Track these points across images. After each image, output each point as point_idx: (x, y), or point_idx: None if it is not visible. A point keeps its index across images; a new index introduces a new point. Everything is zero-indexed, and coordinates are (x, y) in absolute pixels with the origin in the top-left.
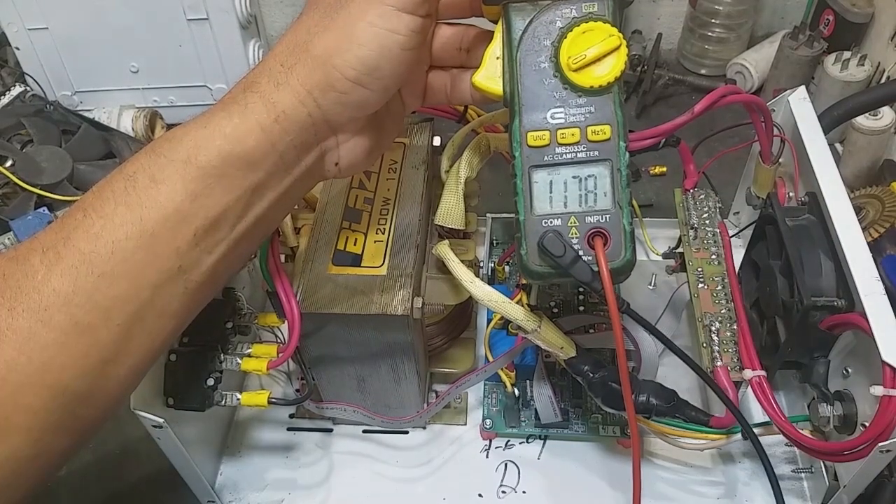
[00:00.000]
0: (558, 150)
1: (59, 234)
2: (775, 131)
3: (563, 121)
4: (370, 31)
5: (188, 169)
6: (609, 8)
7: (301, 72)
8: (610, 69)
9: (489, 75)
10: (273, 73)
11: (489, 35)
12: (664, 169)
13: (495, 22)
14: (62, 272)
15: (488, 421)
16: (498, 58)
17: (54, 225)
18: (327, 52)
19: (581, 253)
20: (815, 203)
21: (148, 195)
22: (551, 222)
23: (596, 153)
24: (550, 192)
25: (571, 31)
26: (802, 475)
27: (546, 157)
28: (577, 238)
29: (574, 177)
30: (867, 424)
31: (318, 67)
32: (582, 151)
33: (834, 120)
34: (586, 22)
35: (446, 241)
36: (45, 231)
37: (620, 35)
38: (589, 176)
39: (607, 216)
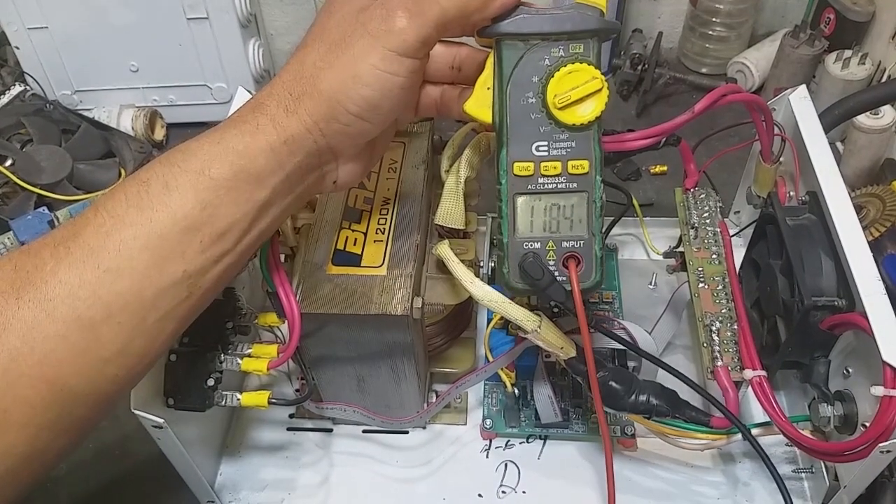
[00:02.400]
0: (541, 180)
1: (71, 231)
2: (776, 130)
3: (546, 154)
4: (373, 73)
5: (201, 179)
6: (594, 50)
7: (308, 104)
8: (592, 110)
9: (479, 104)
10: (282, 99)
11: (479, 54)
12: (665, 168)
13: (487, 47)
14: (70, 265)
15: (488, 421)
16: (488, 88)
17: (67, 223)
18: (333, 89)
19: (556, 273)
20: (815, 202)
21: (160, 199)
22: (531, 245)
23: (575, 185)
24: (532, 217)
25: (558, 70)
26: (803, 475)
27: (529, 186)
28: (553, 260)
29: (554, 204)
30: (867, 425)
31: (325, 102)
32: (562, 182)
33: (835, 119)
34: (573, 63)
35: (446, 241)
36: (59, 228)
37: (602, 78)
38: (567, 204)
39: (581, 242)
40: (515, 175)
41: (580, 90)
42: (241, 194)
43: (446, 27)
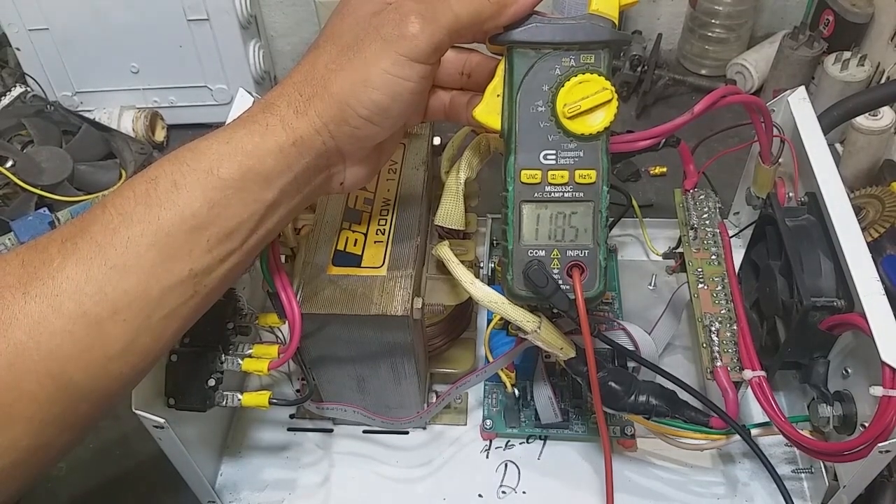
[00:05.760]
0: (548, 188)
1: (78, 227)
2: (775, 131)
3: (554, 162)
4: (384, 78)
5: (210, 179)
6: (604, 61)
7: (318, 105)
8: (601, 120)
9: (489, 111)
10: (292, 100)
11: (490, 61)
12: (664, 169)
13: (498, 55)
14: (77, 261)
15: (488, 421)
16: (498, 95)
17: (75, 220)
18: (343, 92)
19: (560, 282)
20: (814, 203)
21: (168, 198)
22: (536, 252)
23: (581, 194)
24: (537, 225)
25: (569, 80)
26: (802, 475)
27: (536, 194)
28: (557, 269)
29: (560, 213)
30: (867, 425)
31: (335, 104)
32: (569, 192)
33: (834, 120)
34: (583, 73)
35: (446, 242)
36: (67, 225)
37: (613, 89)
38: (573, 213)
39: (586, 251)
40: (522, 182)
41: (590, 100)
42: (249, 194)
43: (459, 34)
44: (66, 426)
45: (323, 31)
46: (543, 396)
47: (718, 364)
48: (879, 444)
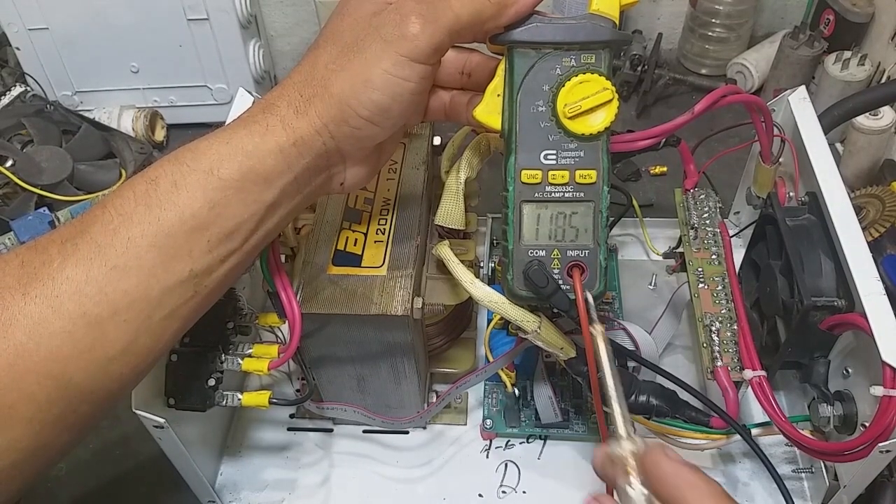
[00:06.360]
0: (548, 188)
1: (78, 228)
2: (775, 131)
3: (554, 162)
4: (384, 78)
5: (210, 179)
6: (605, 61)
7: (319, 105)
8: (601, 120)
9: (489, 111)
10: (292, 100)
11: (490, 61)
12: (664, 169)
13: (499, 54)
14: (77, 262)
15: (488, 421)
16: (499, 95)
17: (75, 220)
18: (344, 93)
19: (560, 282)
20: (815, 203)
21: (168, 198)
22: (537, 252)
23: (581, 194)
24: (538, 225)
25: (569, 80)
26: (802, 475)
27: (536, 194)
28: (558, 269)
29: (560, 213)
30: (867, 425)
31: (335, 105)
32: (569, 192)
33: (834, 120)
34: (584, 73)
35: (446, 242)
36: (66, 225)
37: (613, 89)
38: (573, 214)
39: (587, 251)
40: (523, 182)
41: (590, 100)
42: (250, 195)
43: (459, 34)
44: (65, 427)
45: (323, 31)
46: (543, 396)
47: (719, 364)
48: (880, 444)
